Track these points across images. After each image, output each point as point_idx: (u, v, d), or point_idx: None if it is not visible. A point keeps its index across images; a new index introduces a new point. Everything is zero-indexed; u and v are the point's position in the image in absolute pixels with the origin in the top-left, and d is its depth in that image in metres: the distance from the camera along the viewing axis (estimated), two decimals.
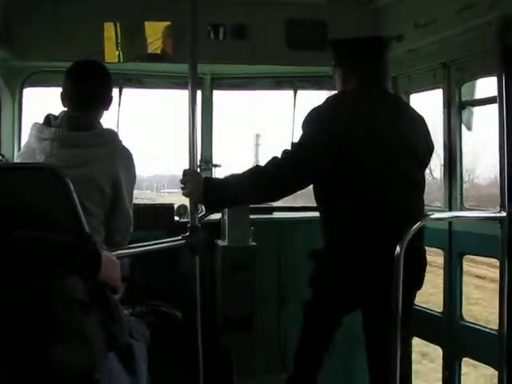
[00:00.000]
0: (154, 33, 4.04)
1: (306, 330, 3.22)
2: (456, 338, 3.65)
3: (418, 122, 3.04)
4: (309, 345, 3.22)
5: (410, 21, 3.70)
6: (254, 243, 3.88)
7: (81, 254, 1.86)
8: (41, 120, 2.79)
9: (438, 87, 3.85)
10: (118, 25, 3.97)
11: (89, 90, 2.84)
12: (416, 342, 4.04)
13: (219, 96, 4.67)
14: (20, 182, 2.47)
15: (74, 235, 1.96)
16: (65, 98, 2.87)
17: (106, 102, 2.94)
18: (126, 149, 2.89)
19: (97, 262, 1.89)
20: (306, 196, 3.80)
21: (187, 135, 2.83)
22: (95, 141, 2.72)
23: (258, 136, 5.16)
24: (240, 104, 5.09)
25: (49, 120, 2.76)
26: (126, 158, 2.82)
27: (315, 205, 3.12)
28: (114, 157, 2.73)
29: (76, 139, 2.68)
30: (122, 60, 4.05)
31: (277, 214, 4.61)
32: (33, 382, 1.59)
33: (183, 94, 4.51)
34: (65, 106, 2.86)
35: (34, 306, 1.63)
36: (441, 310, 3.83)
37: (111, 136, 2.82)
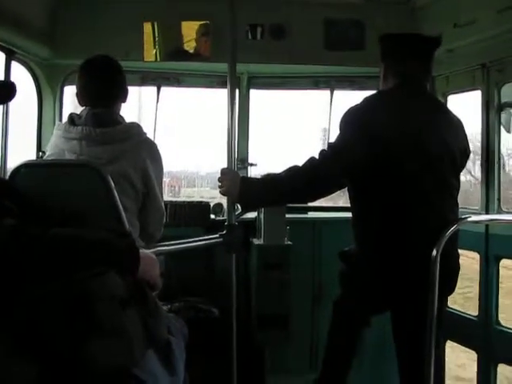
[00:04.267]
0: (192, 32, 4.07)
1: (333, 329, 3.21)
2: (491, 343, 3.61)
3: (456, 125, 3.00)
4: (336, 345, 3.20)
5: (449, 20, 3.66)
6: (289, 242, 3.88)
7: (119, 251, 1.88)
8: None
9: (476, 88, 3.81)
10: (155, 24, 4.02)
11: (106, 86, 2.84)
12: None
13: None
14: (60, 179, 2.53)
15: (115, 232, 1.98)
16: (81, 96, 2.87)
17: (123, 95, 2.94)
18: (152, 141, 2.92)
19: (135, 259, 1.90)
20: (342, 196, 3.79)
21: (225, 134, 2.85)
22: (122, 136, 2.73)
23: (325, 130, 5.04)
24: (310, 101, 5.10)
25: (72, 119, 2.77)
26: (152, 150, 2.84)
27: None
28: (142, 150, 2.75)
29: (103, 136, 2.70)
30: (159, 59, 4.10)
31: (312, 214, 4.62)
32: (71, 377, 1.61)
33: (220, 93, 4.56)
34: (82, 105, 2.86)
35: (73, 302, 1.65)
36: (476, 313, 3.80)
37: (137, 129, 2.83)
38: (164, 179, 3.05)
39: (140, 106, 4.76)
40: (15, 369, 1.52)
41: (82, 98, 2.87)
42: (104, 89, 2.83)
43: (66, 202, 2.11)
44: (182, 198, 6.54)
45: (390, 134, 2.77)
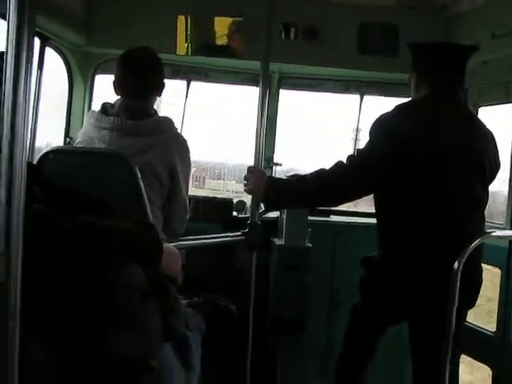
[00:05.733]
0: (224, 28, 4.07)
1: (349, 334, 3.19)
2: (508, 360, 3.56)
3: (487, 137, 2.96)
4: (351, 351, 3.18)
5: (486, 31, 3.58)
6: (309, 244, 3.84)
7: (143, 243, 1.87)
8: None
9: (509, 102, 3.76)
10: (189, 18, 4.02)
11: (143, 78, 2.85)
12: None
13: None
14: (88, 167, 2.54)
15: (138, 223, 1.98)
16: (118, 86, 2.88)
17: (159, 88, 2.95)
18: (182, 137, 2.92)
19: (158, 252, 1.90)
20: (365, 201, 3.76)
21: (252, 130, 2.84)
22: (153, 129, 2.75)
23: (358, 130, 4.87)
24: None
25: (105, 108, 2.78)
26: (182, 146, 2.85)
27: (373, 211, 3.09)
28: (171, 145, 2.76)
29: (134, 128, 2.71)
30: (190, 53, 4.10)
31: (334, 218, 4.59)
32: (89, 366, 1.61)
33: (248, 91, 4.56)
34: (118, 94, 2.87)
35: (94, 292, 1.65)
36: (494, 329, 3.75)
37: (168, 124, 2.84)
38: None
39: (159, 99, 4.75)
40: (35, 354, 1.53)
41: (118, 88, 2.88)
42: (140, 81, 2.84)
43: (92, 190, 2.11)
44: (206, 191, 6.48)
45: (417, 143, 2.74)
